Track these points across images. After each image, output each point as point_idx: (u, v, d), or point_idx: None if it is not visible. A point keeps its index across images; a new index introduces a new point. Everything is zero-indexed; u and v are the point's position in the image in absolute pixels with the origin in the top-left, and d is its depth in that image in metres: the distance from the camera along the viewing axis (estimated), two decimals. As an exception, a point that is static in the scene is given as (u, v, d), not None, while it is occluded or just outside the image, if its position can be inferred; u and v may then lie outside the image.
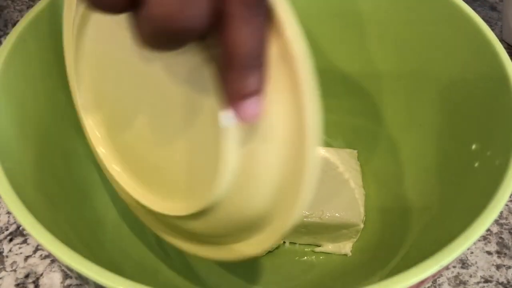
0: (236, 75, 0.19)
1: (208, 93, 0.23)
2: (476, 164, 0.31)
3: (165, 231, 0.33)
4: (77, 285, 0.36)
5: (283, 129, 0.23)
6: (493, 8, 0.56)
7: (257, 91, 0.20)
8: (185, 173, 0.27)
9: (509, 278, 0.37)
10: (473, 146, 0.32)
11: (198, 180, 0.26)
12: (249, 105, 0.20)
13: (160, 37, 0.18)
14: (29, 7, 0.55)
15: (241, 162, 0.24)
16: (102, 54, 0.28)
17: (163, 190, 0.29)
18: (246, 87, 0.19)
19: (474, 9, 0.34)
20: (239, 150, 0.23)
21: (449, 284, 0.37)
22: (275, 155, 0.23)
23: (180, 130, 0.26)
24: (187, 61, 0.23)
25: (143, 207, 0.30)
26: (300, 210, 0.24)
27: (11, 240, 0.38)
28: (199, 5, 0.17)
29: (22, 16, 0.41)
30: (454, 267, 0.38)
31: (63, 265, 0.25)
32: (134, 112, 0.28)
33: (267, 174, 0.24)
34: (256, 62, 0.19)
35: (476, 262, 0.38)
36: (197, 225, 0.28)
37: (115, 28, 0.26)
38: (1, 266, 0.37)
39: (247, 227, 0.27)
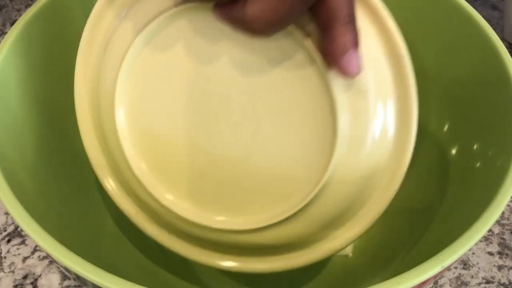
0: (340, 31, 0.23)
1: (308, 69, 0.25)
2: (478, 165, 0.31)
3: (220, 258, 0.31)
4: (75, 286, 0.36)
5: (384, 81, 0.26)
6: (494, 7, 0.56)
7: (356, 45, 0.23)
8: (277, 174, 0.27)
9: (510, 278, 0.37)
10: (475, 146, 0.32)
11: (301, 169, 0.26)
12: (352, 58, 0.23)
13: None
14: (27, 6, 0.55)
15: (351, 115, 0.25)
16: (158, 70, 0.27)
17: (244, 204, 0.28)
18: (349, 40, 0.23)
19: (475, 8, 0.33)
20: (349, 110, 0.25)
21: (450, 285, 0.37)
22: (378, 112, 0.26)
23: (274, 128, 0.26)
24: (279, 51, 0.25)
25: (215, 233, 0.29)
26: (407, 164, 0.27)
27: (9, 241, 0.38)
28: None
29: (20, 15, 0.41)
30: (455, 268, 0.38)
31: (61, 266, 0.24)
32: (200, 135, 0.27)
33: (373, 133, 0.26)
34: (353, 19, 0.23)
35: (477, 263, 0.38)
36: (282, 231, 0.28)
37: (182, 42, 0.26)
38: (-1, 267, 0.37)
39: (346, 210, 0.27)
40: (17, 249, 0.38)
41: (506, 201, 0.25)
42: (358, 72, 0.24)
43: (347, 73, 0.23)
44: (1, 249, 0.38)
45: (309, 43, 0.24)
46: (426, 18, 0.36)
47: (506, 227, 0.40)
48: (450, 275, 0.37)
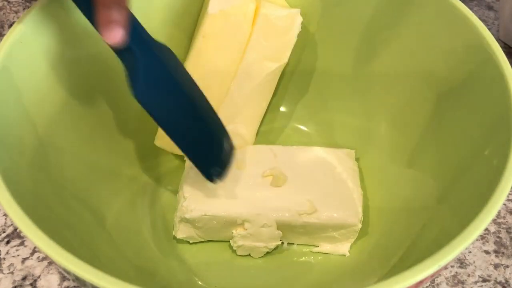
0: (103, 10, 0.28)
1: None
2: (474, 164, 0.31)
3: None
4: (74, 287, 0.36)
5: None
6: (489, 7, 0.56)
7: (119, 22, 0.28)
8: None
9: (507, 277, 0.37)
10: (471, 146, 0.32)
11: None
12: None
13: None
14: (25, 8, 0.55)
15: None
16: None
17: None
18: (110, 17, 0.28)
19: (471, 8, 0.34)
20: None
21: (447, 284, 0.37)
22: None
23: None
24: None
25: None
26: None
27: (8, 242, 0.38)
28: None
29: (18, 17, 0.41)
30: (452, 266, 0.38)
31: (60, 267, 0.25)
32: None
33: None
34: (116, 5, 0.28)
35: (474, 262, 0.38)
36: None
37: None
38: (-2, 269, 0.37)
39: None
40: (16, 250, 0.38)
41: (502, 200, 0.26)
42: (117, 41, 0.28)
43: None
44: (0, 251, 0.38)
45: None
46: (421, 18, 0.36)
47: (502, 225, 0.40)
48: (447, 273, 0.37)
